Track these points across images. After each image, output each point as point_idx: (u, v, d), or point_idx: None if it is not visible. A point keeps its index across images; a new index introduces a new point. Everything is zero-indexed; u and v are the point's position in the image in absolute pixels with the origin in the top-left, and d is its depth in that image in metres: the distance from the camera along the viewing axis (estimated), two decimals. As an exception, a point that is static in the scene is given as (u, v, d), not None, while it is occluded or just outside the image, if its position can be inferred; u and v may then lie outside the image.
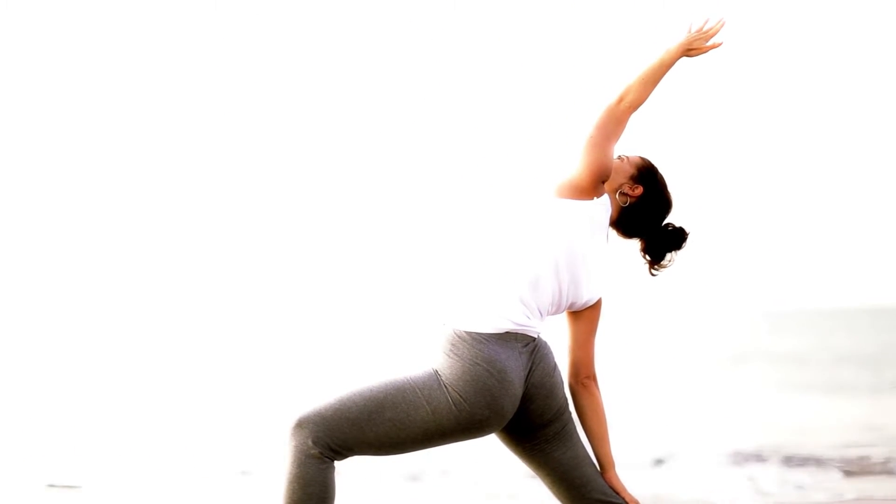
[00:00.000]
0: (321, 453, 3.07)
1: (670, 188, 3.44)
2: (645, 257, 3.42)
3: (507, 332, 3.16)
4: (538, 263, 3.20)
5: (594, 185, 3.25)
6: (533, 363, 3.21)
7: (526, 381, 3.20)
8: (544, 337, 3.28)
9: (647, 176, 3.39)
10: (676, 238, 3.40)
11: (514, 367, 3.15)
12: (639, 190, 3.37)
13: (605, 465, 3.34)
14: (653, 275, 3.43)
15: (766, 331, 51.57)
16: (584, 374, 3.36)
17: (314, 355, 29.27)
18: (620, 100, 3.23)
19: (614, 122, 3.23)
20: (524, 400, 3.21)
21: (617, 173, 3.36)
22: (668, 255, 3.41)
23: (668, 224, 3.41)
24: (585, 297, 3.32)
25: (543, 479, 3.32)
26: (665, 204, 3.41)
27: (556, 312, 3.32)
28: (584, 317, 3.36)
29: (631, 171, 3.38)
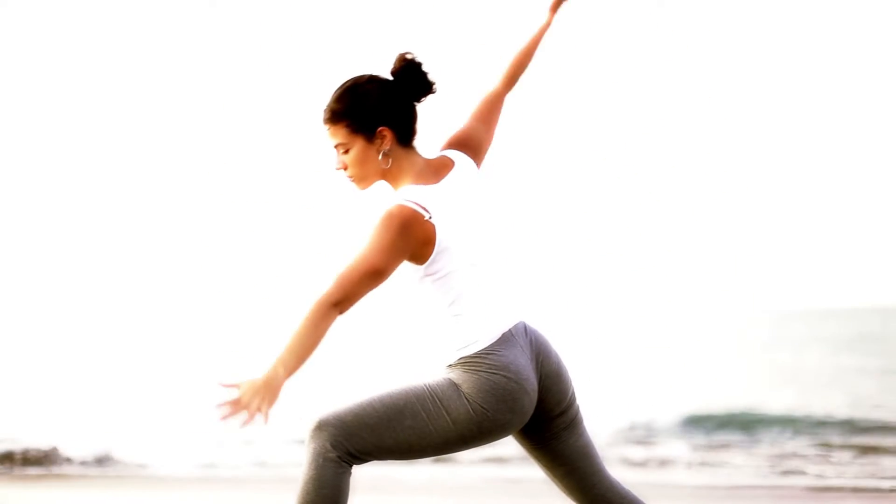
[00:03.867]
0: (339, 457, 3.02)
1: (352, 77, 3.10)
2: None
3: (502, 335, 3.09)
4: (462, 283, 3.07)
5: (420, 246, 3.01)
6: (539, 353, 3.14)
7: (538, 372, 3.13)
8: (533, 325, 3.18)
9: (358, 115, 3.06)
10: (411, 68, 3.11)
11: (526, 364, 3.09)
12: (384, 131, 3.08)
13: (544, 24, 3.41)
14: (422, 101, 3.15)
15: (756, 333, 51.19)
16: (503, 88, 3.36)
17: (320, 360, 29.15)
18: (339, 309, 2.98)
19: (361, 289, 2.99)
20: (540, 392, 3.14)
21: (361, 162, 3.09)
22: (426, 80, 3.12)
23: (392, 73, 3.12)
24: (486, 194, 3.18)
25: (555, 471, 3.23)
26: (383, 89, 3.08)
27: (493, 233, 3.17)
28: (476, 147, 3.26)
29: (359, 140, 3.08)
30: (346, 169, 3.13)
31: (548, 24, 3.44)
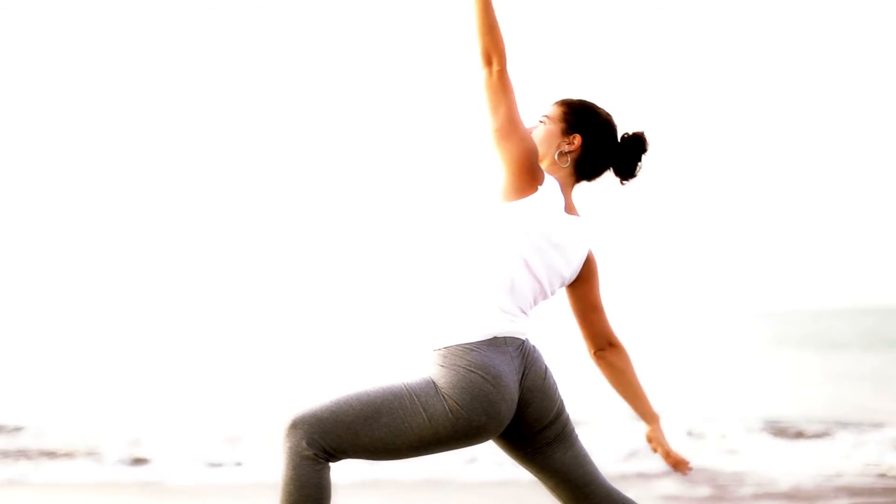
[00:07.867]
0: (315, 455, 3.02)
1: (600, 105, 3.29)
2: (617, 178, 3.31)
3: (495, 338, 3.09)
4: (509, 269, 3.12)
5: (530, 175, 3.12)
6: (525, 366, 3.14)
7: (520, 384, 3.13)
8: (532, 341, 3.21)
9: (578, 116, 3.26)
10: (637, 144, 3.28)
11: (508, 372, 3.09)
12: (577, 139, 3.25)
13: (647, 419, 3.34)
14: (624, 184, 3.31)
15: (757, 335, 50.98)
16: (603, 341, 3.33)
17: (309, 358, 29.23)
18: (489, 63, 3.07)
19: (501, 92, 3.07)
20: (521, 405, 3.15)
21: (545, 140, 3.26)
22: (638, 164, 3.29)
23: (623, 136, 3.29)
24: (568, 274, 3.24)
25: (546, 482, 3.26)
26: (609, 129, 3.27)
27: (545, 300, 3.24)
28: (581, 279, 3.31)
29: (559, 126, 3.26)
30: None
31: (651, 421, 3.38)
